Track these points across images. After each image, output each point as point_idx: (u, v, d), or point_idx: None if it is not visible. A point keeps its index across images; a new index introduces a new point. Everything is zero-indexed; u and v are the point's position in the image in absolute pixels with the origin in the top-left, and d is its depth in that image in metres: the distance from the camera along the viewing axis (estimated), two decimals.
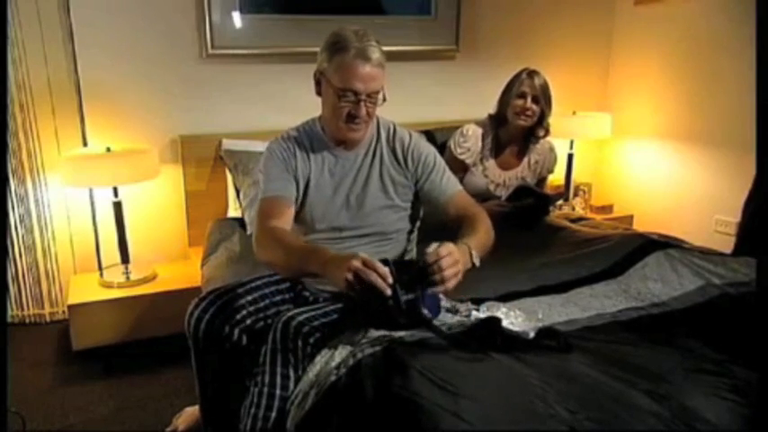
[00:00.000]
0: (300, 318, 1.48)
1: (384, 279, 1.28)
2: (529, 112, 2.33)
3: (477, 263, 1.46)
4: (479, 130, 2.41)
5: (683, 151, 3.20)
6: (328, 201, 1.67)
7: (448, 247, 1.35)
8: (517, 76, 2.38)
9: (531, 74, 2.35)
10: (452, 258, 1.34)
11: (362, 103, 1.53)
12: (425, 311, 1.35)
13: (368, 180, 1.66)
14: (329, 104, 1.58)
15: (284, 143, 1.68)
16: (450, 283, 1.33)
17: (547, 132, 2.44)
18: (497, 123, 2.42)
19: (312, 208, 1.67)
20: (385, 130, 1.70)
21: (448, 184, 1.66)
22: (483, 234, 1.57)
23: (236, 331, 1.58)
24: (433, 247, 1.36)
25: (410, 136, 1.71)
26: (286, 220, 1.59)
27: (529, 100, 2.32)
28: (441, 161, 1.71)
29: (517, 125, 2.36)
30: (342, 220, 1.67)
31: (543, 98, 2.34)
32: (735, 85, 2.87)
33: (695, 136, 3.13)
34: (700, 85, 3.07)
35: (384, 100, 1.58)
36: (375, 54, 1.50)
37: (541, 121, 2.39)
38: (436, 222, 1.86)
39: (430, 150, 1.70)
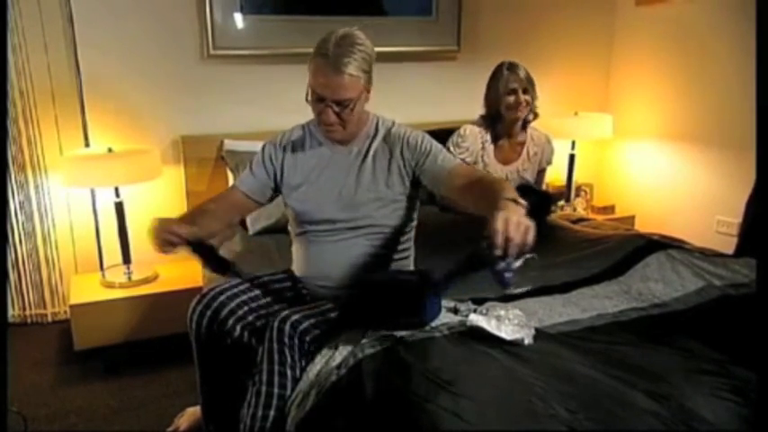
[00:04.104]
0: (296, 316, 1.50)
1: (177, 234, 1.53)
2: (523, 104, 2.37)
3: (523, 201, 1.36)
4: (476, 130, 2.44)
5: (685, 152, 3.20)
6: (321, 194, 1.70)
7: (499, 219, 1.25)
8: (498, 73, 2.39)
9: (512, 67, 2.37)
10: (513, 224, 1.25)
11: (329, 109, 1.56)
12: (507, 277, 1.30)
13: (360, 174, 1.68)
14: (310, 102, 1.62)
15: (276, 147, 1.75)
16: (528, 239, 1.26)
17: (536, 116, 2.48)
18: (492, 121, 2.43)
19: (307, 201, 1.71)
20: (384, 128, 1.72)
21: (446, 160, 1.66)
22: (501, 182, 1.53)
23: (239, 327, 1.60)
24: (485, 240, 1.28)
25: (406, 130, 1.73)
26: (226, 205, 1.76)
27: (521, 94, 2.35)
28: (437, 144, 1.71)
29: (513, 119, 2.40)
30: (334, 212, 1.69)
31: (531, 87, 2.37)
32: (736, 85, 2.87)
33: (696, 136, 3.13)
34: (701, 85, 3.07)
35: (366, 100, 1.61)
36: (348, 65, 1.50)
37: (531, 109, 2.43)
38: (434, 223, 1.86)
39: (425, 137, 1.71)
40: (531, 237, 1.26)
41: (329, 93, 1.53)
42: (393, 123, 1.75)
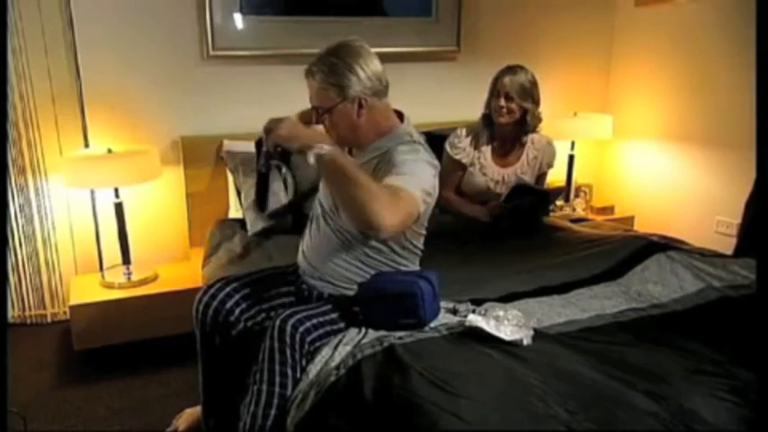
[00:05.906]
0: (298, 316, 1.50)
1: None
2: (504, 110, 2.31)
3: (323, 150, 1.39)
4: (472, 131, 2.43)
5: (684, 152, 3.20)
6: (323, 194, 1.72)
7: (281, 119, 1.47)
8: (498, 72, 2.37)
9: (507, 71, 2.32)
10: (277, 120, 1.47)
11: (315, 112, 1.63)
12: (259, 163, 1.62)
13: None
14: None
15: None
16: (271, 127, 1.47)
17: (534, 128, 2.41)
18: (489, 122, 2.42)
19: (317, 198, 1.76)
20: (394, 142, 1.61)
21: (389, 178, 1.47)
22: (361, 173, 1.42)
23: (243, 320, 1.62)
24: None
25: (399, 149, 1.58)
26: None
27: (501, 99, 2.31)
28: (411, 166, 1.52)
29: (499, 123, 2.36)
30: (326, 218, 1.68)
31: (519, 96, 2.29)
32: (735, 85, 2.87)
33: (696, 137, 3.13)
34: (700, 86, 3.06)
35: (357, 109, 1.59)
36: (313, 75, 1.56)
37: (525, 118, 2.35)
38: (435, 223, 1.85)
39: (405, 160, 1.53)
40: (276, 129, 1.45)
41: (311, 97, 1.62)
42: (409, 139, 1.62)
